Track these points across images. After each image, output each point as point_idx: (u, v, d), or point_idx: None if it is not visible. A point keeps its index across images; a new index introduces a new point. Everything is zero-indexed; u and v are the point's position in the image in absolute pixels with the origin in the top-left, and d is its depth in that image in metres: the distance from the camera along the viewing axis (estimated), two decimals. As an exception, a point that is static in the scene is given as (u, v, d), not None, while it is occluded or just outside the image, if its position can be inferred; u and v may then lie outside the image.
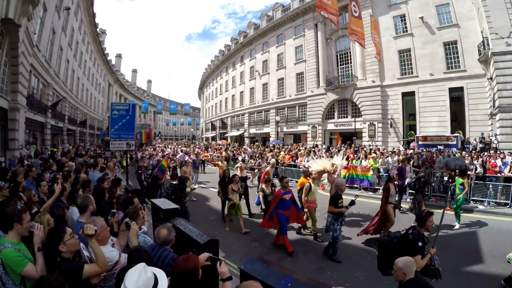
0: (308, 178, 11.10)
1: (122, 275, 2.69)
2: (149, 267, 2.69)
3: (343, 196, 8.34)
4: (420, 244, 4.92)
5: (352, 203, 7.97)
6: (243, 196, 12.52)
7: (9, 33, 15.40)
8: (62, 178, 8.06)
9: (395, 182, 10.89)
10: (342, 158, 15.41)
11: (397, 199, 12.77)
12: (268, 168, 14.44)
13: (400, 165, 14.53)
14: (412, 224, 6.49)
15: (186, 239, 4.70)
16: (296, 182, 19.43)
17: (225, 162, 17.41)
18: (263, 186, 10.84)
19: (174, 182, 10.21)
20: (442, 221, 5.86)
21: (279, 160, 21.76)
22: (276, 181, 15.84)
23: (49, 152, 19.77)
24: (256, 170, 18.75)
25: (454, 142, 21.53)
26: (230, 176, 11.91)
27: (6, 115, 16.71)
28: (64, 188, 6.60)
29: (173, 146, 38.19)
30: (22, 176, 8.00)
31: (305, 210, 10.16)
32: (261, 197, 10.74)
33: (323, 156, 18.43)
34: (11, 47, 16.01)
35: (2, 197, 5.99)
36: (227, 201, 11.14)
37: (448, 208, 11.77)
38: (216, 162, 17.93)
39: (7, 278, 3.25)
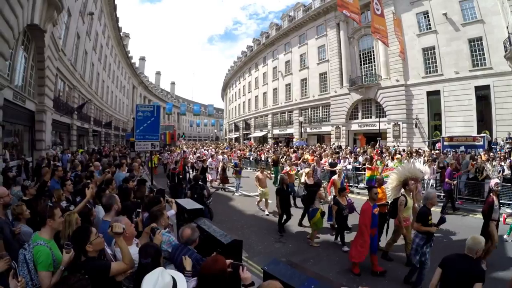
0: (381, 188, 8.99)
1: (138, 277, 2.76)
2: (168, 271, 2.78)
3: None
4: None
5: (442, 220, 6.42)
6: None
7: (35, 38, 15.85)
8: (85, 178, 8.26)
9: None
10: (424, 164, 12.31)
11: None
12: (334, 178, 11.58)
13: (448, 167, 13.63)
14: None
15: (210, 239, 4.75)
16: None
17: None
18: (338, 198, 8.86)
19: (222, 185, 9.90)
20: None
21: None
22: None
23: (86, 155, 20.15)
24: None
25: (481, 143, 20.98)
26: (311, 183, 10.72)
27: (33, 117, 17.20)
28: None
29: (207, 148, 36.00)
30: (49, 176, 8.19)
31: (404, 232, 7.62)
32: (334, 212, 8.89)
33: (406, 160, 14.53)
34: (38, 51, 16.47)
35: (29, 195, 6.20)
36: (308, 211, 9.53)
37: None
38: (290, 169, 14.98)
39: (35, 274, 3.38)
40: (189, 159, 18.54)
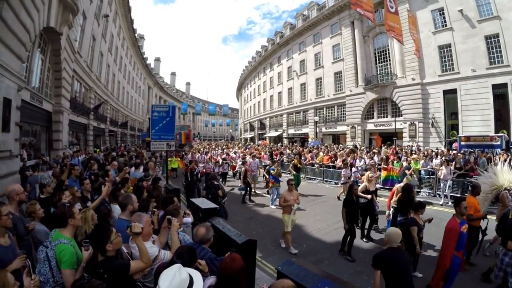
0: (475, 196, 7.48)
1: (160, 273, 2.77)
2: (185, 268, 2.78)
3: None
4: None
5: None
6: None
7: (51, 41, 16.05)
8: (101, 177, 8.36)
9: None
10: None
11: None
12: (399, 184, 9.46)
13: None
14: None
15: (224, 238, 4.77)
16: (335, 184, 19.04)
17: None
18: (414, 215, 6.78)
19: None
20: None
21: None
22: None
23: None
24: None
25: (498, 143, 20.44)
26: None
27: (50, 118, 17.46)
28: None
29: (236, 150, 30.65)
30: (66, 175, 8.27)
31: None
32: (414, 234, 6.43)
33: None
34: (54, 54, 16.67)
35: (46, 193, 6.29)
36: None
37: None
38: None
39: (57, 271, 3.45)
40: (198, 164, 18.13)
